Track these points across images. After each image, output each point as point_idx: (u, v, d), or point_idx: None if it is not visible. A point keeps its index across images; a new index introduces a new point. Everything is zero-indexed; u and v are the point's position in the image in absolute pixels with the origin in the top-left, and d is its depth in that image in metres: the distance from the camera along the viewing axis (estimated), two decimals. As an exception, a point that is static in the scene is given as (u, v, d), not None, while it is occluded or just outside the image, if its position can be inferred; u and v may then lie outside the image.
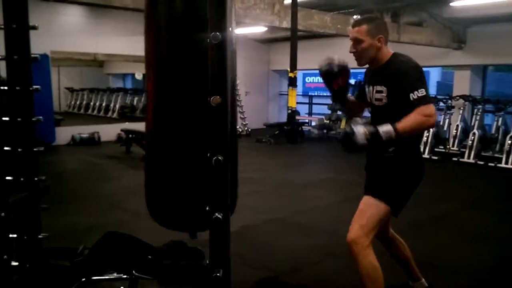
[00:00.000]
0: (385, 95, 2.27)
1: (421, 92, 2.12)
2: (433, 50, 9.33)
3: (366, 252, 2.25)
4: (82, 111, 15.86)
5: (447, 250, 3.75)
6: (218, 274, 1.67)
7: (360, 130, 2.15)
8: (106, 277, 2.46)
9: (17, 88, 2.20)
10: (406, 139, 2.21)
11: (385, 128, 2.12)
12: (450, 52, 9.45)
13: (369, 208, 2.31)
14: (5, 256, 1.83)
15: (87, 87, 16.24)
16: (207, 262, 1.69)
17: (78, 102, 16.39)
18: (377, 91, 2.31)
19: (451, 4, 7.65)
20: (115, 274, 2.41)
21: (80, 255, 2.32)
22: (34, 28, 2.27)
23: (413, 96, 2.12)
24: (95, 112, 15.24)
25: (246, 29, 9.66)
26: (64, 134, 9.51)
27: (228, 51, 1.61)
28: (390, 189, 2.33)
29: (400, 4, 8.18)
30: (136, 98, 14.72)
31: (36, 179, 2.30)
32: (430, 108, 2.14)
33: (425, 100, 2.13)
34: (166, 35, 2.21)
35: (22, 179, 2.24)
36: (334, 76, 2.46)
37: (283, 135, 10.42)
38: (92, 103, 15.67)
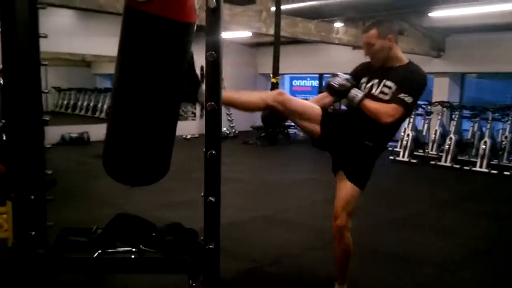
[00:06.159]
0: (392, 90, 2.50)
1: (408, 99, 2.40)
2: (414, 58, 9.46)
3: (349, 233, 2.67)
4: (69, 110, 15.89)
5: (417, 245, 4.08)
6: (211, 246, 2.06)
7: (342, 77, 2.53)
8: (119, 250, 2.99)
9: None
10: (384, 135, 2.61)
11: (357, 95, 2.47)
12: (430, 59, 9.81)
13: (350, 193, 2.64)
14: (33, 233, 2.13)
15: (75, 87, 16.29)
16: (201, 238, 2.10)
17: (65, 102, 16.39)
18: (386, 86, 2.53)
19: (429, 14, 8.01)
20: (125, 248, 2.95)
21: (95, 233, 2.85)
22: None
23: (400, 96, 2.41)
24: (83, 112, 15.29)
25: (232, 33, 9.90)
26: (53, 133, 9.61)
27: (220, 66, 1.91)
28: (365, 174, 2.68)
29: (382, 14, 8.51)
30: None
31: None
32: (397, 111, 2.41)
33: (403, 104, 2.40)
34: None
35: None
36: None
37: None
38: (79, 103, 15.72)
